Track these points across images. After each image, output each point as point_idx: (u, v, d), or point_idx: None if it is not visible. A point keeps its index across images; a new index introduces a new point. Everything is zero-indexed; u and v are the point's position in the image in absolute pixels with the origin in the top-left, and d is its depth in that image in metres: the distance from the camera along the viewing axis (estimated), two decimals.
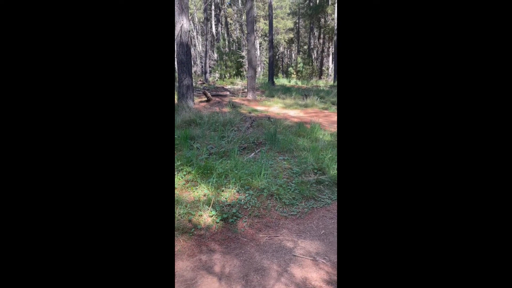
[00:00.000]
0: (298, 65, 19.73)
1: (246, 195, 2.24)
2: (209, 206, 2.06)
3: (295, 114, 6.23)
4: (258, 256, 1.68)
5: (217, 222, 1.95)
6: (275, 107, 7.07)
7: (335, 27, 16.09)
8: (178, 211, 1.99)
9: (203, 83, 12.30)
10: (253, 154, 3.19)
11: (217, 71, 14.97)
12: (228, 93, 8.69)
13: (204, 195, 2.20)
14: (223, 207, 2.09)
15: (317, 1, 20.16)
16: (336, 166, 2.82)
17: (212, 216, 1.99)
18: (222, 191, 2.28)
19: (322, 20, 21.75)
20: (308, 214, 2.15)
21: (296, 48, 26.09)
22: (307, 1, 21.14)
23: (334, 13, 16.70)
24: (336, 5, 16.09)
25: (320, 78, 20.76)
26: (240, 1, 17.96)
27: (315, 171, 2.73)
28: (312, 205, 2.26)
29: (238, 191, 2.28)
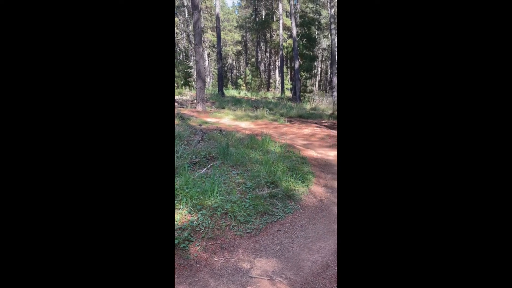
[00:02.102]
0: (247, 77, 20.19)
1: (199, 215, 2.12)
2: None
3: (246, 126, 6.29)
4: (214, 283, 1.58)
5: None
6: (226, 119, 7.03)
7: (280, 43, 17.00)
8: None
9: None
10: (205, 169, 3.07)
11: None
12: (176, 104, 8.35)
13: None
14: None
15: (263, 17, 21.12)
16: (287, 179, 2.89)
17: None
18: None
19: (268, 35, 22.82)
20: (263, 230, 2.13)
21: (245, 60, 26.74)
22: (253, 16, 21.98)
23: (279, 29, 17.67)
24: (280, 21, 17.07)
25: (268, 90, 21.55)
26: (186, 12, 17.73)
27: (268, 184, 2.75)
28: (267, 220, 2.25)
29: (189, 212, 2.14)
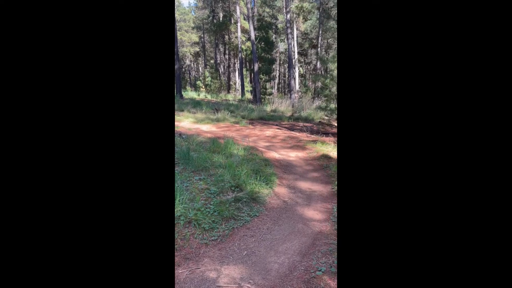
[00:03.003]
0: (207, 79, 19.83)
1: None
2: None
3: (207, 129, 6.15)
4: None
5: None
6: (186, 122, 6.80)
7: (239, 45, 17.07)
8: None
9: None
10: None
11: None
12: None
13: None
14: None
15: (221, 19, 20.99)
16: (252, 181, 2.89)
17: None
18: None
19: (227, 37, 22.75)
20: (229, 236, 2.09)
21: (203, 61, 26.25)
22: (211, 18, 21.72)
23: (237, 32, 17.72)
24: (238, 24, 17.14)
25: (228, 92, 21.46)
26: None
27: (233, 188, 2.72)
28: (232, 226, 2.21)
29: None
